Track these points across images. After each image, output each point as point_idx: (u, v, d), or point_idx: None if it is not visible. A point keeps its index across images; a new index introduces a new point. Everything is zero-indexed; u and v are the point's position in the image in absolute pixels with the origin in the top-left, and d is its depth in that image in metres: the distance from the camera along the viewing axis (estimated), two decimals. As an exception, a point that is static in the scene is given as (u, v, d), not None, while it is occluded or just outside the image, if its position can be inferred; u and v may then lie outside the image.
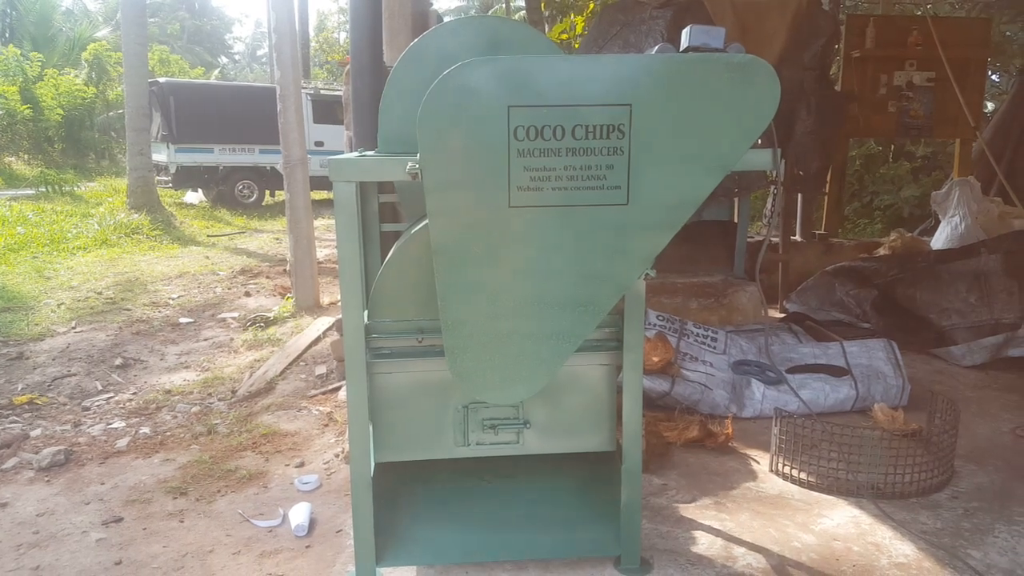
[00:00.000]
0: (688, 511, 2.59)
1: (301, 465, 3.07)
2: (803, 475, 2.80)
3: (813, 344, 4.04)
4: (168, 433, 3.47)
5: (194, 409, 3.84)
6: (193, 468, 3.04)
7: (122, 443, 3.32)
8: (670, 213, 1.88)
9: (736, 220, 4.71)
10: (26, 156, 19.26)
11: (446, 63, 1.78)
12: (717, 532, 2.44)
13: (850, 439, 2.73)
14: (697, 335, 3.93)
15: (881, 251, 5.66)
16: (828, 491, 2.71)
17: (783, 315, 5.05)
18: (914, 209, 9.20)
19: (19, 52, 18.61)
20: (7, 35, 22.48)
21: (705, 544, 2.37)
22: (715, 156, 1.86)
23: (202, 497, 2.79)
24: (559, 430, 2.20)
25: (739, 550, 2.33)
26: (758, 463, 2.98)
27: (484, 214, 1.84)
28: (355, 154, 2.18)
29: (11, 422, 3.67)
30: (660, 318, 3.98)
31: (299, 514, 2.57)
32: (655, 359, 3.43)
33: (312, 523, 2.55)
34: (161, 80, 14.63)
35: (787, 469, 2.84)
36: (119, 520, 2.61)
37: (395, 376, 2.15)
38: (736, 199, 4.63)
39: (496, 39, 2.22)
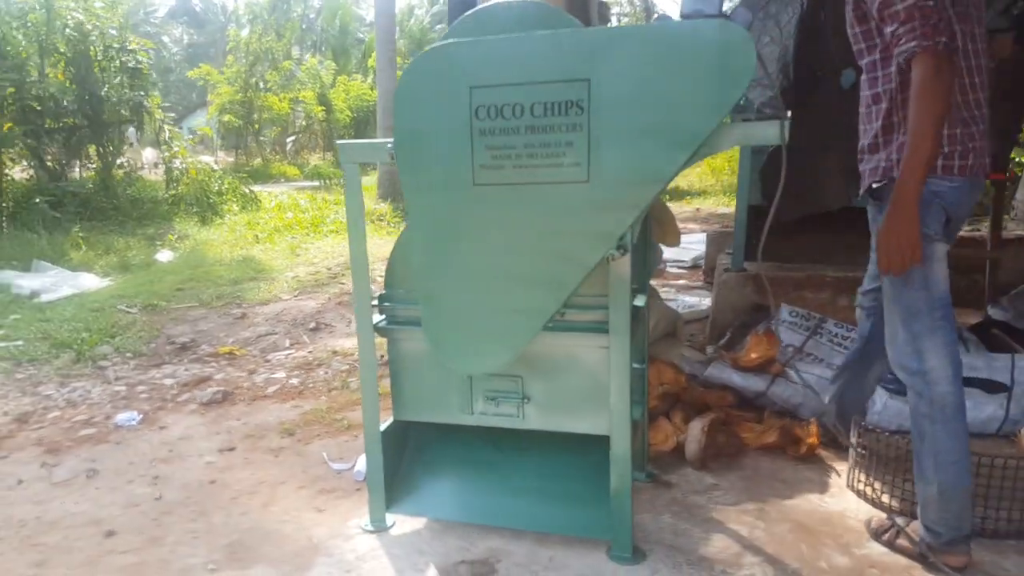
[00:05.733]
0: (722, 513, 2.43)
1: (394, 423, 3.38)
2: (883, 496, 2.47)
3: (982, 355, 3.44)
4: (311, 385, 4.01)
5: (343, 368, 4.37)
6: (311, 415, 3.51)
7: (271, 390, 3.92)
8: (634, 190, 1.83)
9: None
10: (321, 153, 22.55)
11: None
12: (740, 538, 2.28)
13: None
14: (833, 335, 3.56)
15: None
16: (904, 516, 2.36)
17: (977, 322, 4.31)
18: None
19: (316, 62, 21.79)
20: (315, 49, 26.40)
21: (718, 548, 2.23)
22: (681, 130, 1.78)
23: (303, 439, 3.22)
24: (558, 409, 2.22)
25: (752, 559, 2.16)
26: (839, 476, 2.67)
27: (452, 192, 1.95)
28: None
29: (209, 366, 4.49)
30: (793, 314, 3.68)
31: (364, 461, 2.87)
32: (753, 355, 3.20)
33: (370, 472, 2.84)
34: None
35: (863, 487, 2.52)
36: (232, 449, 3.14)
37: (409, 343, 2.34)
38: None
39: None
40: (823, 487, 2.60)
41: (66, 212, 8.92)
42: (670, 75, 1.75)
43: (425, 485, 2.44)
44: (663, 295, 5.92)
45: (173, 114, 16.97)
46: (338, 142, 2.19)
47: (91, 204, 9.58)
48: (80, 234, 8.49)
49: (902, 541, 2.18)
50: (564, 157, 1.85)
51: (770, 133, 1.88)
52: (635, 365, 2.61)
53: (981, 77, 2.04)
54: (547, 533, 2.28)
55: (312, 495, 2.70)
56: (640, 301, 2.46)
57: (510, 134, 1.87)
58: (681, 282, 6.79)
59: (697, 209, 12.58)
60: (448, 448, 2.48)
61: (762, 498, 2.52)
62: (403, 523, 2.42)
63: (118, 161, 10.94)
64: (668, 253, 7.79)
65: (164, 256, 8.42)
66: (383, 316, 2.35)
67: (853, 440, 2.58)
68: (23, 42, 9.35)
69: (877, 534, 2.26)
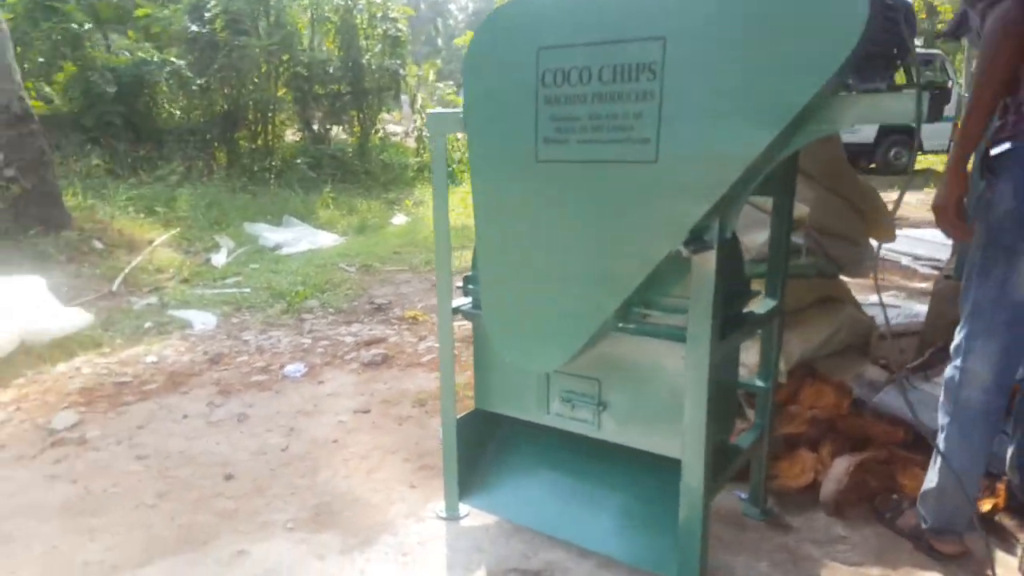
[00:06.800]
0: (834, 573, 1.98)
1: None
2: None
3: None
4: (462, 358, 4.01)
5: (505, 344, 4.33)
6: (449, 388, 3.52)
7: (426, 358, 4.01)
8: (709, 173, 1.52)
9: None
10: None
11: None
12: (849, 612, 1.83)
13: None
14: None
15: None
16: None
17: None
18: None
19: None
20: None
21: (816, 618, 1.81)
22: (769, 100, 1.43)
23: (430, 411, 3.24)
24: (637, 422, 1.95)
25: (853, 643, 1.73)
26: (1013, 556, 2.05)
27: (514, 168, 1.78)
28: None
29: (391, 328, 4.72)
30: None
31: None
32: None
33: (475, 455, 2.75)
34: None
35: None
36: (367, 412, 3.25)
37: (491, 329, 2.18)
38: None
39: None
40: (982, 564, 2.00)
41: (322, 173, 9.97)
42: (759, 32, 1.39)
43: (502, 481, 2.30)
44: (895, 299, 5.07)
45: (450, 82, 18.12)
46: (428, 112, 2.10)
47: (346, 167, 10.62)
48: (331, 194, 9.47)
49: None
50: (631, 131, 1.57)
51: (901, 107, 1.42)
52: (758, 383, 2.22)
53: None
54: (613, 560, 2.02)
55: (413, 469, 2.70)
56: (763, 307, 2.06)
57: (576, 103, 1.64)
58: (923, 286, 5.78)
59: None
60: (532, 446, 2.30)
61: (894, 564, 2.02)
62: (477, 516, 2.31)
63: (375, 127, 11.97)
64: (921, 250, 6.71)
65: (398, 220, 9.08)
66: (468, 299, 2.22)
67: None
68: (298, 11, 10.49)
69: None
